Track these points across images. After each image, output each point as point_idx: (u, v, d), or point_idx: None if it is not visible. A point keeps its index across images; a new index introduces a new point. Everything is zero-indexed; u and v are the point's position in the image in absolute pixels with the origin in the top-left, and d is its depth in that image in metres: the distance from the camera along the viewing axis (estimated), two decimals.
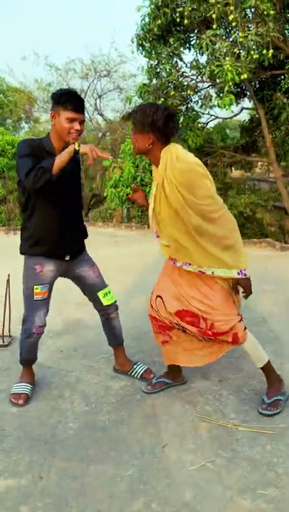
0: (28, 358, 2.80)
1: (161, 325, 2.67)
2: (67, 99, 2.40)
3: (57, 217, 2.58)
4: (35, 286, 2.61)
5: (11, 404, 2.68)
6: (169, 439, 2.35)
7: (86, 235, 2.85)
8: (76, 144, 2.35)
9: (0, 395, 2.79)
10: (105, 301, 2.84)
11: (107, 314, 2.90)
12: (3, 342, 3.53)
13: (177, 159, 2.29)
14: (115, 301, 2.90)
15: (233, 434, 2.38)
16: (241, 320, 2.48)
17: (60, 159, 2.32)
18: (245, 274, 2.41)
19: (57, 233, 2.59)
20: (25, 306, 2.69)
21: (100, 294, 2.83)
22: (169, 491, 2.00)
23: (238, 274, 2.40)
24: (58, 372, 3.07)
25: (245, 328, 2.49)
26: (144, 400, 2.71)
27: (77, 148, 2.32)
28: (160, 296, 2.61)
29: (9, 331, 3.64)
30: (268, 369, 2.60)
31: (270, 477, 2.07)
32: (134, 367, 2.98)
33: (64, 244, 2.64)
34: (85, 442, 2.33)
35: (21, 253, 2.67)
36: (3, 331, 3.56)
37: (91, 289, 2.83)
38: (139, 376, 2.93)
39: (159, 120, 2.31)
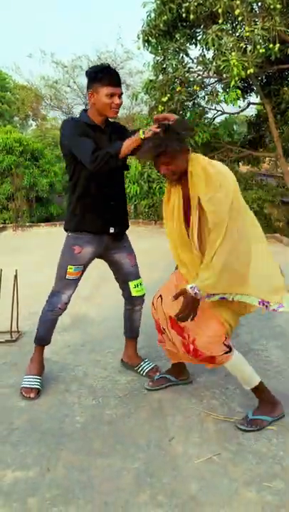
0: (43, 336, 2.81)
1: (157, 325, 2.65)
2: (104, 75, 2.43)
3: (100, 194, 2.60)
4: (69, 266, 2.66)
5: (21, 397, 2.71)
6: (175, 433, 2.36)
7: (127, 226, 2.85)
8: (140, 132, 2.30)
9: (8, 389, 2.82)
10: (134, 292, 2.87)
11: (133, 305, 2.93)
12: (12, 337, 3.56)
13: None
14: (144, 295, 2.92)
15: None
16: (228, 351, 2.30)
17: (127, 147, 2.33)
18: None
19: (100, 209, 2.62)
20: (56, 281, 2.74)
21: (131, 284, 2.86)
22: (175, 483, 2.01)
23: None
24: (66, 367, 3.10)
25: (230, 351, 2.31)
26: (150, 394, 2.73)
27: (142, 137, 2.27)
28: (161, 296, 2.58)
29: (17, 327, 3.67)
30: (258, 391, 2.42)
31: (276, 470, 2.08)
32: (141, 363, 2.99)
33: (108, 219, 2.66)
34: (91, 435, 2.35)
35: (65, 229, 2.72)
36: (11, 326, 3.59)
37: (124, 277, 2.86)
38: (144, 373, 2.93)
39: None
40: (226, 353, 2.29)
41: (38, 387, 2.75)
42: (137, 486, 2.00)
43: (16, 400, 2.70)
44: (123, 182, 2.79)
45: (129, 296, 2.90)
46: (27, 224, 9.96)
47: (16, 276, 3.61)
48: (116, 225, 2.71)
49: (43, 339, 2.84)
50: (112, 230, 2.69)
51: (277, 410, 2.43)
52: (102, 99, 2.45)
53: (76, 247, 2.65)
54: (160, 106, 7.24)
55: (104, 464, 2.14)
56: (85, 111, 2.61)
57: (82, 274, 2.76)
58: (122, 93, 2.50)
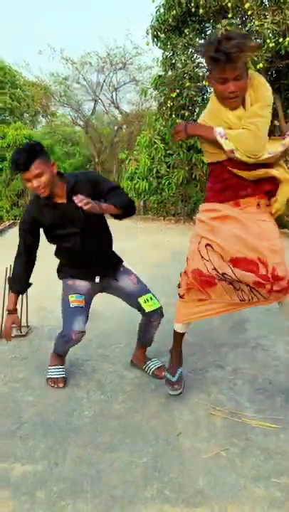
0: (61, 352, 2.89)
1: (204, 280, 2.30)
2: (12, 163, 2.42)
3: (79, 252, 2.64)
4: (70, 296, 2.67)
5: (49, 386, 2.78)
6: (183, 428, 2.36)
7: (118, 260, 2.84)
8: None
9: (17, 384, 2.84)
10: (147, 307, 2.73)
11: (149, 321, 2.78)
12: (21, 332, 3.58)
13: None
14: (159, 308, 2.76)
15: (247, 423, 2.38)
16: None
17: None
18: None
19: (80, 265, 2.70)
20: (63, 318, 2.68)
21: (141, 300, 2.73)
22: (182, 477, 2.01)
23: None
24: (74, 362, 3.11)
25: None
26: (158, 389, 2.73)
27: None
28: (210, 245, 2.30)
29: (27, 321, 3.69)
30: None
31: (284, 466, 2.07)
32: (148, 362, 2.97)
33: (91, 272, 2.71)
34: (100, 430, 2.36)
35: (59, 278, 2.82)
36: (20, 321, 3.60)
37: (131, 297, 2.76)
38: (150, 372, 2.91)
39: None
40: None
41: (64, 376, 2.83)
42: (144, 480, 2.01)
43: (25, 393, 2.72)
44: (103, 233, 2.75)
45: (144, 313, 2.76)
46: None
47: None
48: (101, 273, 2.73)
49: (60, 353, 2.90)
50: (97, 280, 2.72)
51: None
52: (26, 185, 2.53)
53: (70, 281, 2.72)
54: (169, 101, 7.22)
55: (112, 458, 2.15)
56: None
57: (88, 305, 2.73)
58: (37, 174, 2.40)
